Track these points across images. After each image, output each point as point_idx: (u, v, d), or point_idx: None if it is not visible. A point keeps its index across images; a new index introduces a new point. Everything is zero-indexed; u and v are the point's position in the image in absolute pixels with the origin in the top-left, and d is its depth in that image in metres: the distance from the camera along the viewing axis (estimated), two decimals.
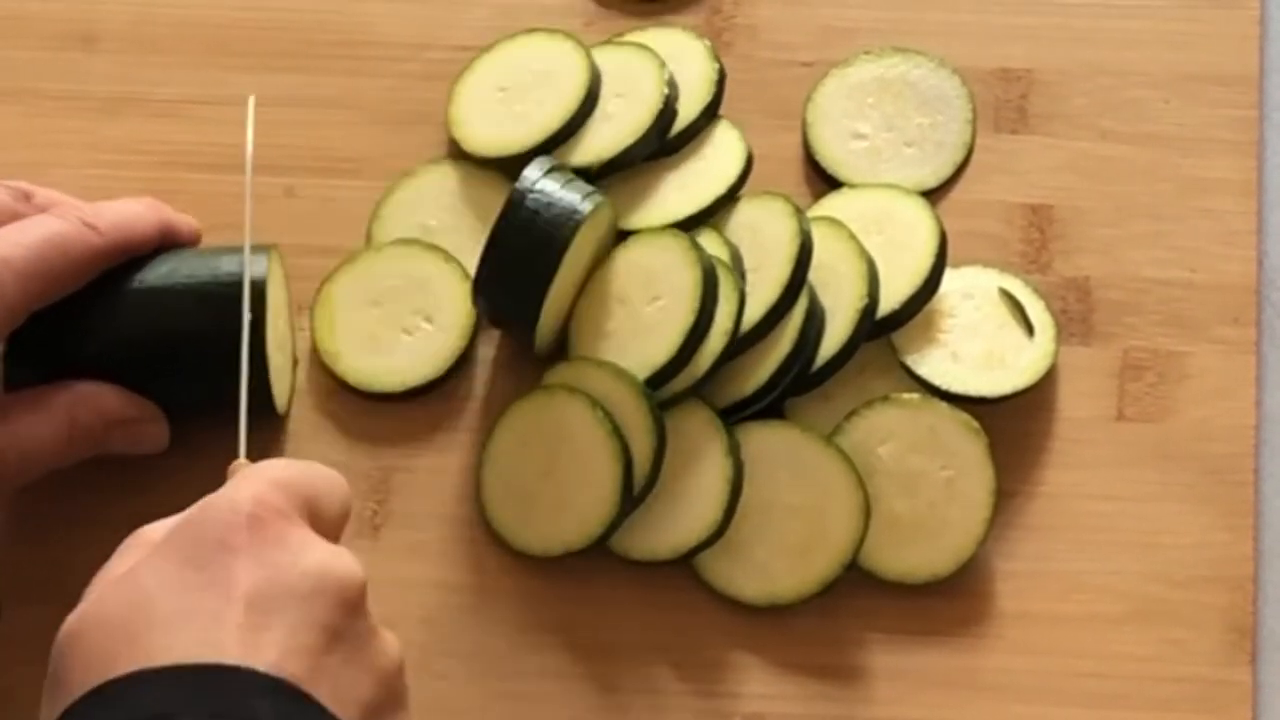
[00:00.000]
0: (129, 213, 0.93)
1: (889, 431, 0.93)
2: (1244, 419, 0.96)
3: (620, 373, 0.92)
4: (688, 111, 0.99)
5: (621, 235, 0.97)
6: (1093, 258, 0.99)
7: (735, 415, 0.93)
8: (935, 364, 0.95)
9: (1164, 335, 0.97)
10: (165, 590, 0.72)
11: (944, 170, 1.01)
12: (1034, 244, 0.99)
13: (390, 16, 1.04)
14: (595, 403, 0.91)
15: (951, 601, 0.93)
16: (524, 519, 0.93)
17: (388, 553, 0.94)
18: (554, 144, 0.98)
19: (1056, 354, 0.96)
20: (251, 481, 0.76)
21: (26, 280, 0.88)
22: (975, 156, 1.01)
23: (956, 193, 1.00)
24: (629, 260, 0.94)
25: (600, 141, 0.98)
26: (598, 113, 0.99)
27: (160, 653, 0.69)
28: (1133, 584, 0.93)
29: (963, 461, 0.93)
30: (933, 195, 0.99)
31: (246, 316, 0.90)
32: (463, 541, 0.94)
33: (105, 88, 1.03)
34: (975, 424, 0.93)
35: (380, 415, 0.97)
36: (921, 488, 0.93)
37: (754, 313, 0.93)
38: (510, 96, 1.00)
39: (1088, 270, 0.99)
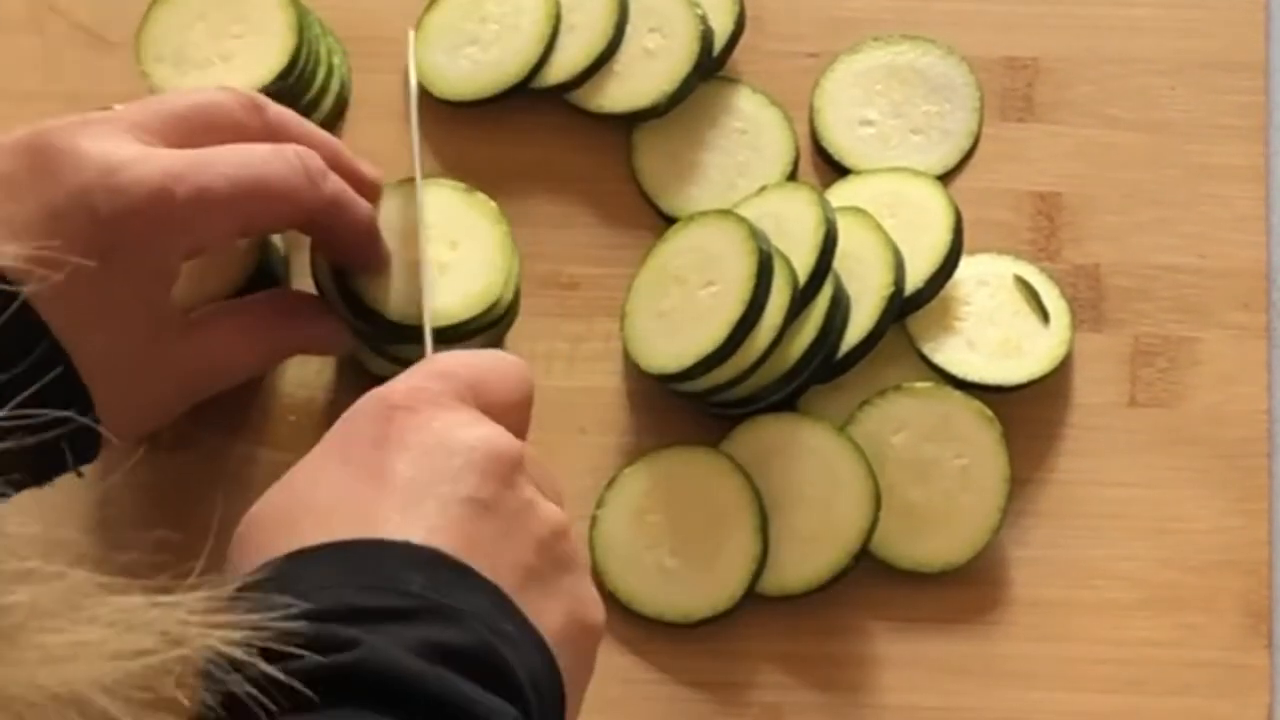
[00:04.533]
0: (347, 196, 0.90)
1: (902, 420, 0.93)
2: (1256, 404, 0.96)
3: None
4: (721, 27, 1.00)
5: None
6: (1102, 245, 0.99)
7: (756, 403, 0.93)
8: (952, 352, 0.95)
9: (1175, 321, 0.97)
10: (319, 486, 0.73)
11: (951, 158, 1.01)
12: (1043, 232, 0.99)
13: (394, 12, 1.04)
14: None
15: (966, 589, 0.93)
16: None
17: None
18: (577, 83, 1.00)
19: (1072, 341, 0.96)
20: (408, 375, 0.78)
21: (224, 217, 0.84)
22: (982, 145, 1.01)
23: (964, 181, 1.00)
24: (690, 240, 0.94)
25: (656, 78, 0.99)
26: (637, 50, 1.00)
27: (315, 537, 0.70)
28: (1147, 570, 0.94)
29: (976, 450, 0.93)
30: (940, 182, 0.99)
31: (423, 237, 0.91)
32: None
33: (118, 88, 1.02)
34: (989, 412, 0.93)
35: None
36: (935, 476, 0.93)
37: None
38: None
39: (1097, 257, 0.99)
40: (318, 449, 0.75)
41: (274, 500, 0.74)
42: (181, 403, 0.88)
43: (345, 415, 0.76)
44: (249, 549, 0.72)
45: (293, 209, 0.87)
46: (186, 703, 0.64)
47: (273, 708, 0.64)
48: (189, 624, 0.62)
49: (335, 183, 0.88)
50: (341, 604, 0.67)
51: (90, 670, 0.59)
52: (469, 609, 0.69)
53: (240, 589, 0.66)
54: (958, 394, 0.94)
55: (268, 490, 0.75)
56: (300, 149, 0.87)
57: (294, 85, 0.98)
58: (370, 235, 0.91)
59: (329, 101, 1.01)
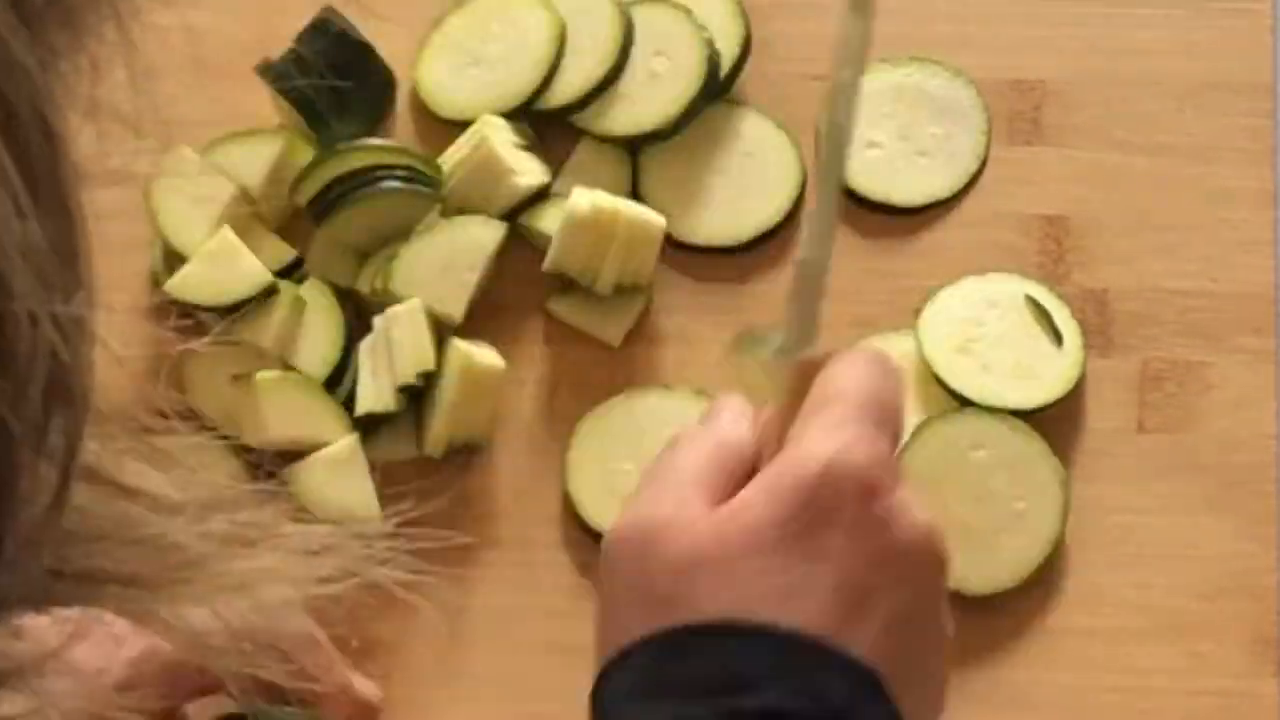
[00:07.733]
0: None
1: (980, 442, 0.93)
2: (1265, 429, 0.95)
3: None
4: (728, 51, 1.00)
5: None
6: (1110, 268, 0.98)
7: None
8: (968, 377, 0.94)
9: (1183, 346, 0.97)
10: (763, 548, 0.67)
11: (958, 181, 1.00)
12: (1051, 255, 0.99)
13: (399, 36, 1.03)
14: None
15: (974, 617, 0.93)
16: None
17: None
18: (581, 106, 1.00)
19: (1085, 363, 0.95)
20: (839, 425, 0.68)
21: None
22: (989, 168, 1.01)
23: (972, 204, 1.00)
24: None
25: (661, 102, 0.99)
26: (643, 73, 1.00)
27: (748, 604, 0.66)
28: (1156, 597, 0.93)
29: (1040, 498, 0.92)
30: (947, 205, 0.99)
31: None
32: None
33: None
34: (1063, 471, 0.93)
35: None
36: (990, 507, 0.92)
37: None
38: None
39: (1106, 281, 0.98)
40: (761, 494, 0.68)
41: (708, 534, 0.68)
42: None
43: (794, 464, 0.68)
44: (688, 584, 0.67)
45: None
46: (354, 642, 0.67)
47: None
48: (370, 556, 0.62)
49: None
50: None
51: (269, 594, 0.58)
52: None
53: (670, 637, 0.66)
54: (1038, 439, 0.93)
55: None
56: None
57: None
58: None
59: None
